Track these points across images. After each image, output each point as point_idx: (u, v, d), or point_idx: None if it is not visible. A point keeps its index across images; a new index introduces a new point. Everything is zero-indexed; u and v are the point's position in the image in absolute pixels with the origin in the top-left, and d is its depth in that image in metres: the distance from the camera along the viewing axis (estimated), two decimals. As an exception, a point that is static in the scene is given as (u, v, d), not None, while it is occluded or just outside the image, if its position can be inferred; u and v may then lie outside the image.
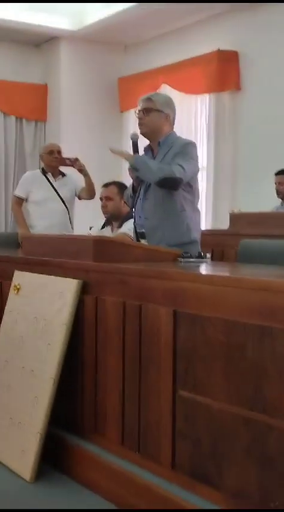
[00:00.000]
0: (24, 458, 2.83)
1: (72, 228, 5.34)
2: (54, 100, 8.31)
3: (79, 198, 5.41)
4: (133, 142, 3.64)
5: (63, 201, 5.24)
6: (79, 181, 5.34)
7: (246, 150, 6.89)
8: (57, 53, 8.20)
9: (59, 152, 5.28)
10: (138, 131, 3.69)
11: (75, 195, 5.36)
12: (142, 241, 3.55)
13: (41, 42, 8.30)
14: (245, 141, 6.90)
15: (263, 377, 2.01)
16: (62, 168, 5.33)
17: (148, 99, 3.64)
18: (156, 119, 3.60)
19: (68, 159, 5.18)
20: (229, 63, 6.91)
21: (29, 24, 7.50)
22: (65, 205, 5.26)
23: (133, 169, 3.58)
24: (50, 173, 5.28)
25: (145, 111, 3.61)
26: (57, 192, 5.23)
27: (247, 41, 6.85)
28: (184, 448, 2.31)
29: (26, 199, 5.30)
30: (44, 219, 5.14)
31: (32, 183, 5.26)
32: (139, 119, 3.65)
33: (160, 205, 3.54)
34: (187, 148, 3.55)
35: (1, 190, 8.02)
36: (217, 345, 2.18)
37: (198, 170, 3.65)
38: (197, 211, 3.68)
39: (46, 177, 5.27)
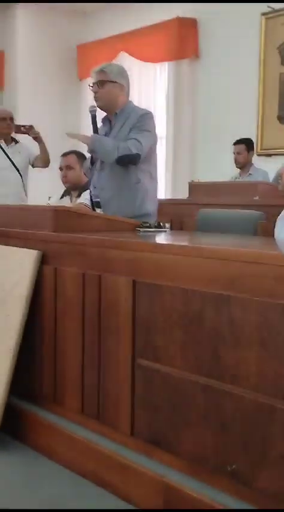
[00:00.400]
0: (-16, 429, 2.83)
1: (27, 196, 5.28)
2: (11, 67, 8.16)
3: (33, 166, 5.33)
4: (92, 116, 3.60)
5: (17, 169, 5.17)
6: (33, 148, 5.27)
7: (205, 119, 6.89)
8: (14, 19, 8.03)
9: (11, 119, 5.19)
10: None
11: (29, 163, 5.28)
12: (98, 210, 3.54)
13: (-4, 6, 8.11)
14: (204, 109, 6.89)
15: (220, 345, 2.05)
16: (16, 136, 5.24)
17: (101, 71, 3.58)
18: (111, 90, 3.57)
19: (23, 126, 5.11)
20: (188, 31, 6.87)
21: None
22: (19, 174, 5.19)
23: (90, 151, 3.57)
24: (2, 140, 5.19)
25: (100, 84, 3.57)
26: (10, 160, 5.15)
27: (206, 8, 6.80)
28: (143, 415, 2.34)
29: None
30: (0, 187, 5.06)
31: None
32: (94, 92, 3.60)
33: (115, 177, 3.53)
34: (144, 120, 3.50)
35: None
36: (176, 314, 2.20)
37: (156, 141, 3.61)
38: (154, 182, 3.66)
39: None
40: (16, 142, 5.25)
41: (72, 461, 2.61)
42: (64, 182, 4.45)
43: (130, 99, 3.70)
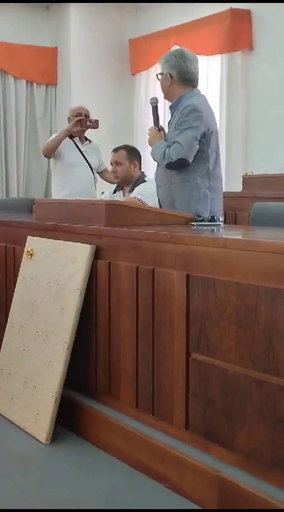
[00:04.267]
0: (39, 421, 2.88)
1: (96, 196, 5.28)
2: (64, 63, 8.21)
3: (102, 177, 5.35)
4: (152, 107, 3.61)
5: (90, 167, 5.20)
6: (102, 154, 5.29)
7: (259, 111, 6.80)
8: (67, 15, 8.07)
9: (87, 116, 5.21)
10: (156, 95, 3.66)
11: (97, 170, 5.31)
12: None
13: (50, 4, 8.17)
14: (258, 102, 6.80)
15: (276, 339, 2.02)
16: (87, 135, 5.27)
17: (160, 61, 3.60)
18: (161, 82, 3.56)
19: (89, 120, 5.12)
20: (242, 22, 6.78)
21: (38, -15, 7.38)
22: (92, 171, 5.23)
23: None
24: (77, 138, 5.22)
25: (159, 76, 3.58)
26: (84, 157, 5.19)
27: (260, -1, 6.70)
28: (198, 410, 2.33)
29: (54, 158, 5.22)
30: (72, 184, 5.07)
31: (60, 146, 5.17)
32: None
33: (167, 174, 3.49)
34: (184, 116, 3.38)
35: (13, 155, 7.97)
36: (230, 308, 2.18)
37: (201, 133, 3.39)
38: (212, 178, 3.50)
39: (73, 141, 5.21)
40: (90, 141, 5.29)
41: (127, 455, 2.62)
42: (114, 177, 4.47)
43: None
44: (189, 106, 3.40)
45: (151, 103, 3.62)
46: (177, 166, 3.39)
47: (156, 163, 3.58)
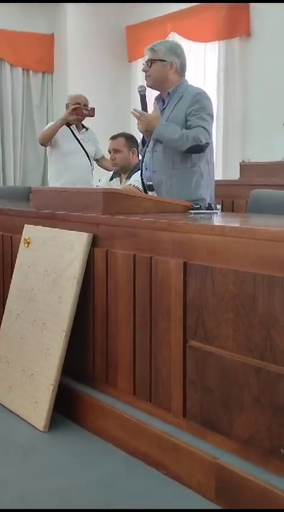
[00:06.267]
0: (37, 409, 2.88)
1: (93, 184, 5.26)
2: (61, 50, 8.17)
3: (99, 164, 5.33)
4: (140, 96, 3.57)
5: (87, 155, 5.18)
6: (99, 142, 5.27)
7: (256, 98, 6.78)
8: (62, 1, 8.03)
9: (85, 105, 5.17)
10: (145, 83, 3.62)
11: (95, 157, 5.29)
12: (151, 193, 3.52)
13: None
14: (256, 88, 6.77)
15: (273, 327, 2.02)
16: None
17: (151, 49, 3.55)
18: (159, 69, 3.51)
19: (85, 109, 5.10)
20: (239, 9, 6.74)
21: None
22: (89, 159, 5.21)
23: (156, 141, 3.51)
24: (74, 126, 5.20)
25: (149, 62, 3.54)
26: (81, 145, 5.17)
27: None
28: (195, 397, 2.34)
29: (51, 146, 5.20)
30: (69, 172, 5.06)
31: (57, 134, 5.14)
32: (145, 71, 3.58)
33: (169, 159, 3.47)
34: (202, 102, 3.43)
35: (9, 143, 7.95)
36: (228, 296, 2.18)
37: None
38: (211, 165, 3.58)
39: (70, 129, 5.18)
40: (87, 129, 5.26)
41: (124, 442, 2.63)
42: (112, 165, 4.46)
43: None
44: (202, 93, 3.51)
45: (139, 91, 3.57)
46: (198, 150, 3.40)
47: (145, 149, 3.56)
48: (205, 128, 3.37)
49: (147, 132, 3.51)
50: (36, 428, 2.85)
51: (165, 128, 3.43)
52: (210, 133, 3.41)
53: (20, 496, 2.29)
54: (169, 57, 3.52)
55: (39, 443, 2.76)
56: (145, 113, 3.52)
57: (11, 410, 3.06)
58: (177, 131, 3.38)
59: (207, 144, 3.40)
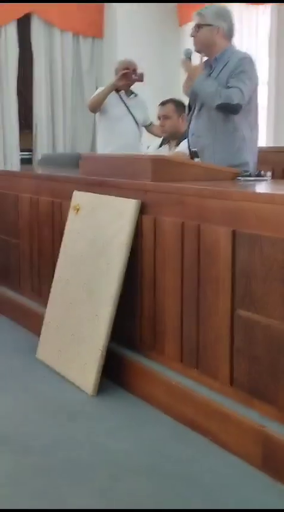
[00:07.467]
0: (86, 374, 2.93)
1: (141, 151, 5.22)
2: (110, 15, 8.09)
3: (148, 131, 5.28)
4: (187, 59, 3.53)
5: (135, 121, 5.15)
6: (147, 108, 5.22)
7: (310, 63, 6.61)
8: None
9: (135, 70, 5.12)
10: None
11: (143, 124, 5.24)
12: (196, 159, 3.49)
13: None
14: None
15: None
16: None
17: (199, 13, 3.50)
18: (206, 34, 3.46)
19: (134, 74, 5.05)
20: None
21: None
22: (137, 125, 5.17)
23: (191, 92, 3.49)
24: (123, 91, 5.16)
25: (197, 27, 3.49)
26: (130, 111, 5.13)
27: None
28: (242, 366, 2.34)
29: (100, 112, 5.18)
30: (118, 138, 5.03)
31: (106, 100, 5.11)
32: (192, 36, 3.53)
33: (212, 124, 3.45)
34: (244, 66, 3.39)
35: (58, 109, 7.95)
36: (276, 265, 2.16)
37: (256, 87, 3.48)
38: (254, 131, 3.53)
39: (119, 95, 5.14)
40: (135, 95, 5.21)
41: (171, 408, 2.65)
42: (162, 132, 4.42)
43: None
44: (246, 58, 3.46)
45: (185, 55, 3.53)
46: (230, 110, 3.35)
47: (191, 115, 3.53)
48: (240, 89, 3.32)
49: (191, 92, 3.48)
50: (85, 392, 2.90)
51: (203, 81, 3.43)
52: (245, 96, 3.33)
53: (68, 459, 2.35)
54: (216, 22, 3.46)
55: (88, 407, 2.81)
56: (191, 64, 3.52)
57: (60, 374, 3.11)
58: (213, 86, 3.37)
59: (240, 106, 3.33)
